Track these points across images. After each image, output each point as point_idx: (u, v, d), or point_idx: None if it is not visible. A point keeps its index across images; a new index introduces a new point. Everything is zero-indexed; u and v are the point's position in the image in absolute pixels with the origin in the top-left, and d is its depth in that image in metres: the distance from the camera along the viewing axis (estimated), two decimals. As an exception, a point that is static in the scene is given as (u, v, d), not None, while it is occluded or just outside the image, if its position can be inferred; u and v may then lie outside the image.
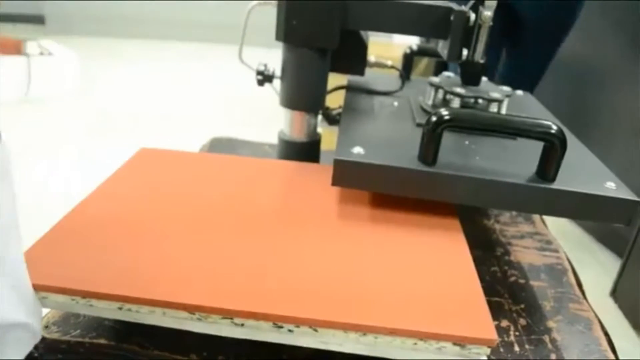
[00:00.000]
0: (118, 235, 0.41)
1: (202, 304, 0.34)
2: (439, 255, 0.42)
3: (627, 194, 0.43)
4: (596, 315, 0.46)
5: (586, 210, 0.43)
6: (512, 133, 0.45)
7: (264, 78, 0.59)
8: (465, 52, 0.53)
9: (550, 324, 0.44)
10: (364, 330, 0.34)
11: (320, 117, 0.62)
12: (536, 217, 0.63)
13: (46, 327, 0.40)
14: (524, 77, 1.35)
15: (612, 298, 1.43)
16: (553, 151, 0.42)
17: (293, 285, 0.36)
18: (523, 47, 1.35)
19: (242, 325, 0.35)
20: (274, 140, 0.63)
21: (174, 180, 0.50)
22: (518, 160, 0.47)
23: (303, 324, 0.34)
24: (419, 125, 0.53)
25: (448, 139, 0.46)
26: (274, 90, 0.60)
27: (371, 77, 0.66)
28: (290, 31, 0.53)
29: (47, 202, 1.38)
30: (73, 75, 2.35)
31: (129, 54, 3.19)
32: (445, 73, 0.61)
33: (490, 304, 0.37)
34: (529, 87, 1.36)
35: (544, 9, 1.25)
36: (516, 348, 0.41)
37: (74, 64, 2.35)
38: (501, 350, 0.41)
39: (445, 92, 0.56)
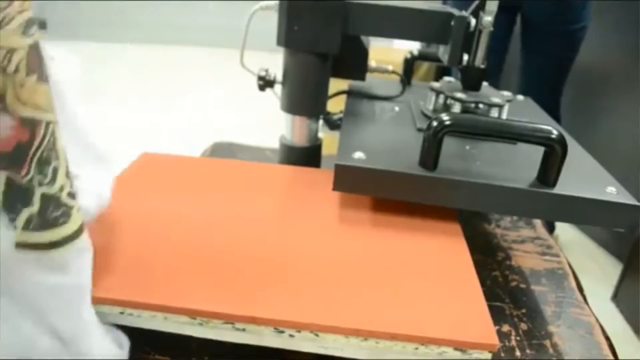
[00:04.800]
0: (119, 239, 0.41)
1: (203, 308, 0.34)
2: (440, 259, 0.42)
3: (628, 199, 0.43)
4: (597, 320, 0.46)
5: (587, 215, 0.43)
6: (512, 138, 0.45)
7: (265, 83, 0.60)
8: (465, 57, 0.53)
9: (552, 328, 0.44)
10: (365, 335, 0.34)
11: (321, 122, 0.62)
12: (537, 221, 0.63)
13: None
14: (544, 86, 1.36)
15: (613, 302, 1.43)
16: (554, 156, 0.42)
17: (294, 290, 0.36)
18: (540, 54, 1.35)
19: (244, 330, 0.35)
20: (276, 145, 0.63)
21: (175, 185, 0.50)
22: (519, 165, 0.47)
23: (304, 329, 0.34)
24: (419, 130, 0.53)
25: (449, 144, 0.46)
26: (275, 95, 0.61)
27: (372, 82, 0.67)
28: (291, 36, 0.53)
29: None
30: (74, 79, 2.35)
31: (131, 59, 3.20)
32: (446, 78, 0.61)
33: (491, 308, 0.37)
34: (552, 96, 1.37)
35: (554, 14, 1.26)
36: (517, 353, 0.41)
37: (76, 68, 2.35)
38: (502, 355, 0.41)
39: (446, 97, 0.56)
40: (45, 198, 0.29)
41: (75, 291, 0.32)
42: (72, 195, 0.30)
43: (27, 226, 0.28)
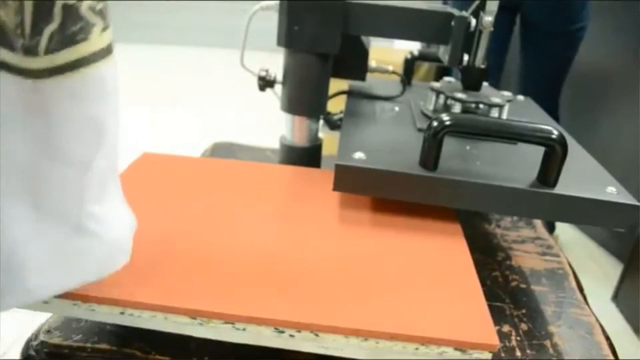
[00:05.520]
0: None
1: (203, 308, 0.34)
2: (440, 259, 0.42)
3: (628, 199, 0.43)
4: (597, 320, 0.46)
5: (587, 215, 0.43)
6: (513, 138, 0.45)
7: (265, 83, 0.60)
8: (466, 57, 0.53)
9: (552, 328, 0.44)
10: (365, 335, 0.34)
11: (321, 122, 0.62)
12: (537, 222, 0.63)
13: (47, 331, 0.40)
14: (544, 86, 1.37)
15: (613, 303, 1.43)
16: (554, 156, 0.42)
17: (294, 290, 0.36)
18: (540, 54, 1.36)
19: (244, 330, 0.35)
20: (276, 145, 0.63)
21: (175, 185, 0.50)
22: (519, 165, 0.47)
23: (304, 329, 0.34)
24: (420, 130, 0.53)
25: (449, 144, 0.46)
26: (275, 95, 0.61)
27: (372, 82, 0.67)
28: (291, 36, 0.53)
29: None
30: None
31: (131, 59, 3.20)
32: (446, 78, 0.61)
33: (491, 308, 0.37)
34: (552, 97, 1.37)
35: (555, 14, 1.26)
36: (518, 353, 0.41)
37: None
38: (502, 355, 0.41)
39: (446, 97, 0.56)
40: (65, 9, 0.25)
41: (94, 124, 0.28)
42: (94, 10, 0.27)
43: (49, 47, 0.25)
